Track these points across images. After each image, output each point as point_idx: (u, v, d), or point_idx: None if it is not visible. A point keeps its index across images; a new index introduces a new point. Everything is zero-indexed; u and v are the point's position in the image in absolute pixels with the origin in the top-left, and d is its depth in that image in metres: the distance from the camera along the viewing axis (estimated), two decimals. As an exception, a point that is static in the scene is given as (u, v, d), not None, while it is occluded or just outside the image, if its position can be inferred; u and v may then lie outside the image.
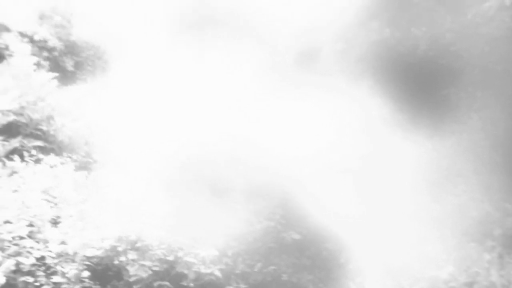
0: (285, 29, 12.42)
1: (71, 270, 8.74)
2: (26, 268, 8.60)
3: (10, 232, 8.65)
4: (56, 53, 13.69)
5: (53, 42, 13.64)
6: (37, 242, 8.99)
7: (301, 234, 10.14)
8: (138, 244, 8.69)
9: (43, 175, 10.04)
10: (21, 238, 8.82)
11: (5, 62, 12.02)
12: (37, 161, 10.31)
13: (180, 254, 8.73)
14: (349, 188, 11.12)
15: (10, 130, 10.69)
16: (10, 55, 12.54)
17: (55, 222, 9.54)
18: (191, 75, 11.70)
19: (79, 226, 9.37)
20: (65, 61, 13.79)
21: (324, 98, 12.09)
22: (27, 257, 8.68)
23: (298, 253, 10.10)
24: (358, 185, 11.22)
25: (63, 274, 8.72)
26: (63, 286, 8.57)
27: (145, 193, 9.45)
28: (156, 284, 8.66)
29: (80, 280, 8.71)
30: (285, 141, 10.86)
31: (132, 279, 8.61)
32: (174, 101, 10.76)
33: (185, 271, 8.67)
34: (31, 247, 8.84)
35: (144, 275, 8.47)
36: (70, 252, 8.89)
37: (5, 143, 10.39)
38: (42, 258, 8.87)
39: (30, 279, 8.53)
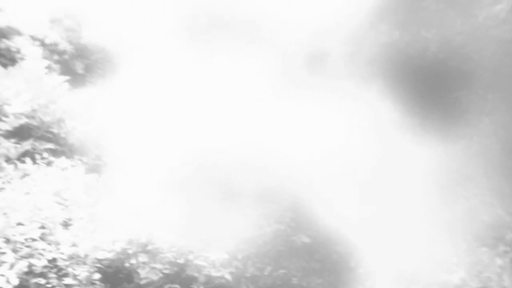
0: (295, 33, 12.43)
1: (82, 272, 8.78)
2: (38, 269, 8.66)
3: (22, 234, 8.73)
4: (66, 56, 13.80)
5: (63, 45, 13.75)
6: (49, 244, 9.05)
7: (311, 237, 10.12)
8: (149, 247, 8.71)
9: (54, 177, 10.11)
10: (33, 240, 8.89)
11: (17, 65, 12.14)
12: (49, 163, 10.38)
13: (190, 257, 8.73)
14: (358, 191, 11.08)
15: (22, 132, 10.78)
16: (22, 59, 12.66)
17: (66, 225, 9.60)
18: (201, 78, 11.73)
19: (90, 229, 9.42)
20: (75, 64, 13.89)
21: (334, 101, 12.07)
22: (39, 259, 8.74)
23: (307, 256, 10.08)
24: (367, 188, 11.18)
25: (75, 276, 8.76)
26: (74, 288, 8.63)
27: (156, 196, 9.48)
28: (166, 287, 8.67)
29: (91, 282, 8.75)
30: (295, 144, 10.86)
31: (143, 282, 8.64)
32: (184, 105, 10.80)
33: (195, 274, 8.67)
34: (43, 249, 8.91)
35: (155, 278, 8.49)
36: (81, 254, 8.94)
37: (17, 145, 10.47)
38: (54, 260, 8.93)
39: (42, 281, 8.59)
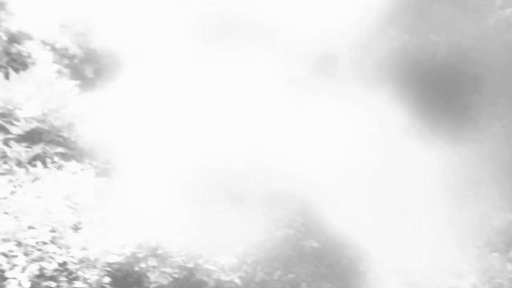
0: (304, 37, 12.45)
1: (92, 276, 8.83)
2: (49, 273, 8.72)
3: (34, 238, 8.79)
4: (76, 61, 13.93)
5: (73, 50, 13.89)
6: (59, 247, 9.11)
7: (320, 242, 10.10)
8: (159, 251, 8.74)
9: (65, 181, 10.18)
10: (44, 243, 8.95)
11: (28, 70, 12.27)
12: (59, 167, 10.47)
13: (200, 261, 8.75)
14: (367, 195, 11.04)
15: (32, 137, 10.89)
16: (33, 63, 12.79)
17: (76, 228, 9.66)
18: (208, 81, 11.78)
19: (100, 232, 9.47)
20: (85, 68, 14.01)
21: (342, 105, 12.05)
22: (50, 262, 8.80)
23: (317, 261, 10.05)
24: (376, 192, 11.14)
25: (85, 280, 8.81)
26: (84, 291, 8.67)
27: (165, 200, 9.52)
28: (176, 291, 8.70)
29: (101, 286, 8.80)
30: (304, 148, 10.85)
31: (152, 286, 8.67)
32: (192, 108, 10.85)
33: (205, 279, 8.69)
34: (54, 252, 8.97)
35: (165, 282, 8.52)
36: (92, 258, 8.99)
37: (28, 149, 10.57)
38: (64, 263, 8.99)
39: (52, 284, 8.65)
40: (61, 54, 13.65)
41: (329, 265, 10.28)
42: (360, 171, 11.30)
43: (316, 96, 11.89)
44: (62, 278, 8.80)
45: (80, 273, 8.89)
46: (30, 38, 13.73)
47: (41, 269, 8.69)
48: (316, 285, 9.73)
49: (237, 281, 8.86)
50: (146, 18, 13.80)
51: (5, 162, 10.26)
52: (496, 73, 10.72)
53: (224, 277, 8.80)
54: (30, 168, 10.25)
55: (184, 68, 11.82)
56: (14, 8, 13.67)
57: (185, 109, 10.87)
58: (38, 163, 10.42)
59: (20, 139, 10.65)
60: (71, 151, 11.01)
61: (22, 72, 12.21)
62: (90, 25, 14.57)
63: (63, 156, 10.85)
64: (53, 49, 13.60)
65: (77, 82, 12.69)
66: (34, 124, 10.82)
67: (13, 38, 13.42)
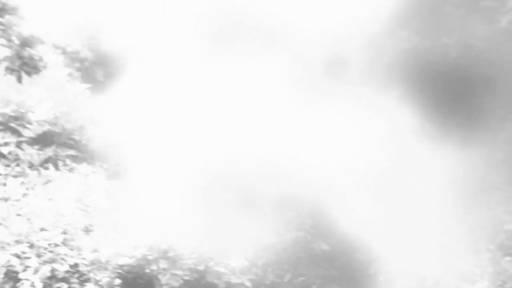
0: (313, 39, 12.43)
1: (103, 278, 8.89)
2: (60, 274, 8.80)
3: (46, 240, 8.88)
4: (87, 64, 14.06)
5: (84, 53, 14.02)
6: (71, 249, 9.19)
7: (330, 244, 10.06)
8: (170, 254, 8.77)
9: (76, 183, 10.27)
10: (56, 245, 9.03)
11: (40, 73, 12.40)
12: (71, 170, 10.56)
13: (210, 263, 8.77)
14: (377, 198, 10.98)
15: (44, 139, 11.00)
16: (44, 67, 12.92)
17: (87, 230, 9.73)
18: (218, 85, 11.81)
19: (111, 235, 9.53)
20: (95, 71, 14.14)
21: (352, 107, 12.01)
22: (61, 264, 8.88)
23: (327, 264, 10.02)
24: (386, 195, 11.07)
25: (96, 282, 8.87)
26: (96, 293, 8.73)
27: (176, 203, 9.55)
28: (186, 293, 8.72)
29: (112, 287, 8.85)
30: (313, 151, 10.83)
31: (163, 288, 8.70)
32: (203, 111, 10.88)
33: (216, 281, 8.70)
34: (65, 254, 9.05)
35: (176, 284, 8.55)
36: (103, 260, 9.05)
37: (40, 152, 10.69)
38: (76, 265, 9.06)
39: (64, 286, 8.72)
40: (72, 58, 13.79)
41: (339, 268, 10.24)
42: (370, 174, 11.24)
43: (326, 99, 11.86)
44: (74, 280, 8.87)
45: (91, 275, 8.95)
46: (41, 42, 13.88)
47: (53, 270, 8.77)
48: (327, 288, 9.69)
49: (248, 283, 8.86)
50: (153, 21, 13.88)
51: (18, 165, 10.39)
52: (508, 74, 10.61)
53: (234, 280, 8.81)
54: (42, 171, 10.37)
55: (194, 70, 11.87)
56: (25, 12, 13.85)
57: (196, 111, 10.91)
58: (50, 166, 10.53)
59: (32, 141, 10.78)
60: (82, 154, 11.10)
61: (34, 76, 12.37)
62: (100, 28, 14.70)
63: (74, 158, 10.95)
64: (64, 52, 13.74)
65: (88, 85, 12.81)
66: (46, 127, 10.94)
67: (25, 42, 13.58)
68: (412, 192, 11.10)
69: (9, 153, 10.37)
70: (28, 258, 8.63)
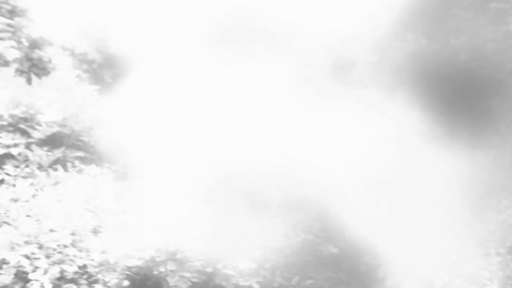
0: (320, 41, 12.43)
1: (112, 279, 8.91)
2: (69, 275, 8.82)
3: (55, 241, 8.92)
4: (95, 66, 14.13)
5: (92, 55, 14.09)
6: (80, 250, 9.22)
7: (338, 247, 10.03)
8: (178, 256, 8.78)
9: (85, 185, 10.31)
10: (65, 246, 9.07)
11: (49, 75, 12.49)
12: (80, 171, 10.61)
13: (218, 266, 8.76)
14: (385, 201, 10.94)
15: (53, 141, 11.06)
16: (53, 68, 13.02)
17: (96, 232, 9.76)
18: (224, 86, 11.83)
19: (119, 236, 9.56)
20: (103, 73, 14.20)
21: (359, 110, 11.98)
22: (70, 265, 8.91)
23: (335, 266, 9.98)
24: (394, 198, 11.03)
25: (105, 283, 8.89)
26: (104, 294, 8.75)
27: (184, 205, 9.56)
28: (194, 295, 8.72)
29: (120, 289, 8.87)
30: (320, 153, 10.81)
31: (171, 290, 8.70)
32: (209, 114, 10.90)
33: (224, 283, 8.69)
34: (74, 256, 9.08)
35: (184, 286, 8.54)
36: (111, 261, 9.07)
37: (49, 153, 10.74)
38: (84, 266, 9.08)
39: (73, 287, 8.74)
40: (80, 59, 13.86)
41: (347, 271, 10.20)
42: (377, 177, 11.21)
43: (332, 100, 11.85)
44: (83, 281, 8.90)
45: (100, 276, 8.97)
46: (50, 43, 13.99)
47: (62, 271, 8.80)
48: (334, 291, 9.65)
49: (256, 286, 8.85)
50: (159, 23, 13.93)
51: (27, 166, 10.44)
52: (518, 77, 10.54)
53: (242, 282, 8.79)
54: (51, 172, 10.41)
55: (201, 72, 11.89)
56: (35, 15, 13.94)
57: (202, 112, 10.92)
58: (59, 167, 10.57)
59: (42, 143, 10.83)
60: (90, 155, 11.14)
61: (43, 78, 12.46)
62: (108, 30, 14.77)
63: (83, 160, 10.99)
64: (73, 54, 13.81)
65: (96, 87, 12.87)
66: (55, 129, 10.99)
67: (34, 44, 13.70)
68: (419, 195, 11.05)
69: (19, 154, 10.43)
70: (38, 259, 8.66)
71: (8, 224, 9.14)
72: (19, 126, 10.78)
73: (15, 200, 9.69)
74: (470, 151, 11.46)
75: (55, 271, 8.60)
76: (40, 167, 10.51)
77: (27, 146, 10.61)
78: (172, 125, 11.40)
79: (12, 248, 8.64)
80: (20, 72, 12.49)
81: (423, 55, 12.11)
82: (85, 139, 11.43)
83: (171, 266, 8.73)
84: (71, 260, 8.98)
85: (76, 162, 10.79)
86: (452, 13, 11.55)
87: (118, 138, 11.86)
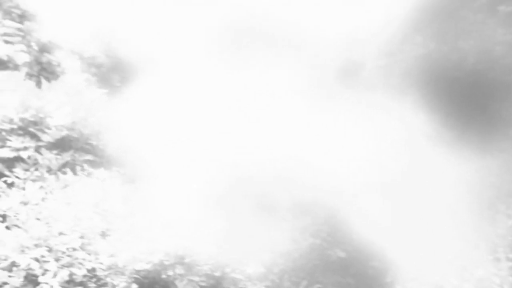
0: (328, 44, 12.42)
1: (120, 282, 8.93)
2: (78, 278, 8.86)
3: (64, 244, 8.96)
4: (103, 69, 14.22)
5: (101, 59, 14.19)
6: (89, 254, 9.26)
7: (346, 251, 9.99)
8: (186, 259, 8.78)
9: (94, 188, 10.36)
10: (74, 249, 9.11)
11: (58, 79, 12.59)
12: (88, 175, 10.67)
13: (227, 270, 8.75)
14: (394, 205, 10.87)
15: (62, 144, 11.13)
16: (62, 72, 13.13)
17: (104, 235, 9.80)
18: (234, 91, 11.84)
19: (128, 240, 9.59)
20: (112, 76, 14.29)
21: (367, 113, 11.94)
22: (79, 268, 8.95)
23: (343, 271, 9.94)
24: (403, 203, 10.96)
25: (113, 286, 8.92)
26: (113, 298, 8.77)
27: (192, 209, 9.58)
28: (202, 299, 8.71)
29: (129, 292, 8.88)
30: (329, 157, 10.78)
31: (179, 294, 8.71)
32: (219, 118, 10.91)
33: (232, 287, 8.69)
34: (83, 259, 9.12)
35: (192, 290, 8.55)
36: (120, 264, 9.10)
37: (58, 157, 10.81)
38: (93, 269, 9.12)
39: (82, 290, 8.78)
40: (89, 63, 13.96)
41: (355, 275, 10.15)
42: (385, 180, 11.15)
43: (341, 104, 11.82)
44: (91, 284, 8.93)
45: (108, 280, 9.00)
46: (59, 47, 14.11)
47: (71, 274, 8.85)
48: (342, 296, 9.61)
49: (264, 290, 8.82)
50: (169, 27, 13.98)
51: (37, 169, 10.52)
52: (528, 81, 10.45)
53: (251, 286, 8.78)
54: (61, 175, 10.47)
55: (210, 75, 11.92)
56: (44, 19, 14.07)
57: (212, 117, 10.94)
58: (68, 170, 10.64)
59: (51, 146, 10.91)
60: (99, 159, 11.21)
61: (53, 81, 12.56)
62: (116, 34, 14.86)
63: (91, 163, 11.05)
64: (82, 58, 13.92)
65: (105, 90, 12.95)
66: (64, 132, 11.07)
67: (44, 48, 13.82)
68: (427, 198, 10.98)
69: (28, 157, 10.51)
70: (47, 261, 8.71)
71: (18, 227, 9.20)
72: (29, 129, 10.87)
73: (25, 203, 9.76)
74: (478, 154, 11.37)
75: (64, 274, 8.64)
76: (50, 170, 10.58)
77: (37, 149, 10.69)
78: (180, 129, 11.43)
79: (22, 251, 8.70)
80: (29, 75, 12.60)
81: (432, 58, 12.05)
82: (94, 142, 11.49)
83: (179, 270, 8.74)
84: (80, 263, 9.02)
85: (85, 166, 10.85)
86: (461, 16, 11.49)
87: (127, 142, 11.92)
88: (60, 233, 9.18)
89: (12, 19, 13.06)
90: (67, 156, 10.88)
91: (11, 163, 10.45)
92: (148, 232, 9.50)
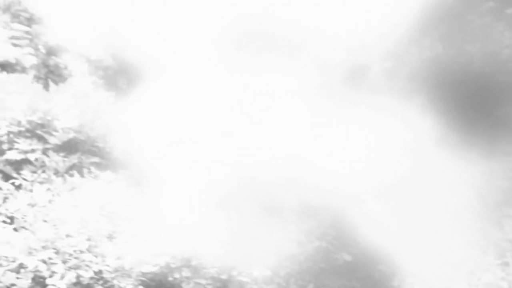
0: (334, 47, 12.43)
1: (127, 285, 8.96)
2: (85, 281, 8.90)
3: (71, 246, 9.01)
4: (110, 72, 14.30)
5: (107, 61, 14.27)
6: (95, 256, 9.30)
7: (352, 254, 9.97)
8: (193, 262, 8.80)
9: (100, 190, 10.41)
10: (81, 252, 9.15)
11: (66, 82, 12.68)
12: (95, 177, 10.72)
13: (233, 273, 8.77)
14: (400, 209, 10.85)
15: (69, 147, 11.20)
16: (70, 75, 13.22)
17: (111, 237, 9.84)
18: (239, 92, 11.87)
19: (134, 242, 9.62)
20: (118, 79, 14.36)
21: (374, 116, 11.93)
22: (86, 270, 8.99)
23: (349, 274, 9.92)
24: (409, 206, 10.93)
25: (120, 289, 8.95)
26: (119, 300, 8.80)
27: (198, 212, 9.60)
28: (209, 302, 8.73)
29: (135, 295, 8.91)
30: (335, 160, 10.78)
31: (186, 296, 8.73)
32: (224, 120, 10.94)
33: (238, 290, 8.70)
34: (90, 261, 9.16)
35: (199, 293, 8.57)
36: (126, 267, 9.13)
37: (65, 159, 10.88)
38: (100, 272, 9.16)
39: (89, 292, 8.82)
40: (96, 66, 14.04)
41: (361, 279, 10.13)
42: (392, 183, 11.13)
43: (348, 107, 11.82)
44: (98, 286, 8.97)
45: (115, 282, 9.03)
46: (67, 50, 14.21)
47: (78, 276, 8.88)
48: (349, 299, 9.59)
49: (270, 293, 8.83)
50: (175, 30, 14.04)
51: (44, 171, 10.58)
52: (536, 84, 10.41)
53: (257, 290, 8.78)
54: (68, 178, 10.53)
55: (216, 79, 11.96)
56: (51, 22, 14.18)
57: (218, 120, 10.97)
58: (75, 173, 10.70)
59: (58, 149, 10.97)
60: (106, 161, 11.26)
61: (60, 84, 12.64)
62: (123, 37, 14.94)
63: (98, 166, 11.11)
64: (88, 60, 14.00)
65: (111, 93, 13.02)
66: (71, 134, 11.13)
67: (51, 51, 13.93)
68: (434, 202, 10.95)
69: (36, 159, 10.58)
70: (55, 264, 8.76)
71: (26, 229, 9.26)
72: (36, 132, 10.95)
73: (32, 205, 9.82)
74: (485, 158, 11.33)
75: (71, 276, 8.68)
76: (57, 172, 10.64)
77: (44, 151, 10.76)
78: (186, 131, 11.47)
79: (30, 253, 8.76)
80: (37, 78, 12.70)
81: (439, 61, 12.03)
82: (101, 145, 11.55)
83: (186, 273, 8.76)
84: (87, 266, 9.06)
85: (92, 168, 10.91)
86: (468, 19, 11.47)
87: (133, 144, 11.97)
88: (67, 235, 9.22)
89: (20, 22, 13.16)
90: (74, 159, 10.95)
91: (18, 165, 10.53)
92: (154, 235, 9.53)
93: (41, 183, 10.29)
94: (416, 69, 12.22)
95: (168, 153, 11.22)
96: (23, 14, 13.31)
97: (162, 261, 8.99)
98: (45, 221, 9.46)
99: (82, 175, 10.69)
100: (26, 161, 10.51)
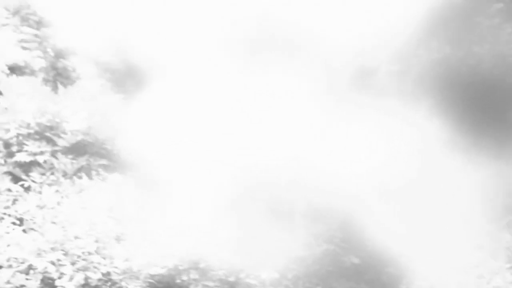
0: (341, 49, 12.40)
1: (135, 287, 8.99)
2: (93, 282, 8.95)
3: (80, 248, 9.06)
4: (118, 75, 14.38)
5: (115, 64, 14.34)
6: (104, 258, 9.34)
7: (360, 257, 9.94)
8: (201, 264, 8.82)
9: (109, 193, 10.46)
10: (90, 253, 9.21)
11: (74, 84, 12.78)
12: (103, 179, 10.77)
13: (241, 275, 8.78)
14: (408, 212, 10.80)
15: (78, 149, 11.27)
16: (78, 78, 13.31)
17: (119, 239, 9.88)
18: (247, 96, 11.89)
19: (142, 244, 9.65)
20: (126, 82, 14.43)
21: (381, 119, 11.89)
22: (94, 272, 9.04)
23: (357, 277, 9.89)
24: (417, 209, 10.88)
25: (128, 291, 8.98)
26: (128, 302, 8.83)
27: (206, 214, 9.62)
28: (217, 304, 8.74)
29: (143, 297, 8.94)
30: (343, 162, 10.75)
31: (193, 299, 8.74)
32: (233, 123, 10.96)
33: (246, 293, 8.70)
34: (98, 263, 9.20)
35: (207, 295, 8.58)
36: (134, 269, 9.17)
37: (74, 161, 10.95)
38: (108, 273, 9.20)
39: (97, 294, 8.86)
40: (104, 68, 14.13)
41: (369, 282, 10.10)
42: (400, 186, 11.09)
43: (355, 110, 11.79)
44: (106, 288, 9.02)
45: (123, 284, 9.07)
46: (75, 53, 14.32)
47: (87, 278, 8.93)
48: (356, 302, 9.56)
49: (278, 296, 8.82)
50: (183, 32, 14.09)
51: (53, 173, 10.67)
52: (546, 86, 10.34)
53: (265, 292, 8.78)
54: (76, 180, 10.60)
55: (224, 81, 11.99)
56: (60, 25, 14.30)
57: (226, 122, 11.00)
58: (83, 175, 10.77)
59: (67, 151, 11.05)
60: (114, 163, 11.32)
61: (68, 87, 12.73)
62: (131, 39, 15.01)
63: (106, 168, 11.17)
64: (97, 63, 14.09)
65: (119, 95, 13.09)
66: (80, 137, 11.21)
67: (60, 54, 14.04)
68: (442, 205, 10.89)
69: (45, 161, 10.66)
70: (63, 265, 8.82)
71: (35, 230, 9.33)
72: (45, 134, 11.04)
73: (41, 207, 9.90)
74: (494, 160, 11.25)
75: (80, 278, 8.73)
76: (65, 174, 10.72)
77: (53, 154, 10.85)
78: (194, 134, 11.50)
79: (39, 254, 8.82)
80: (46, 81, 12.81)
81: (447, 63, 11.98)
82: (109, 147, 11.61)
83: (194, 275, 8.78)
84: (95, 267, 9.11)
85: (100, 170, 10.97)
86: (477, 21, 11.42)
87: (141, 146, 12.02)
88: (76, 237, 9.28)
89: (30, 26, 13.29)
90: (82, 161, 11.02)
91: (28, 167, 10.62)
92: (162, 237, 9.56)
93: (50, 185, 10.36)
94: (424, 70, 12.17)
95: (176, 155, 11.25)
96: (32, 17, 13.44)
97: (170, 263, 9.01)
98: (54, 222, 9.53)
99: (90, 177, 10.76)
100: (35, 163, 10.59)
